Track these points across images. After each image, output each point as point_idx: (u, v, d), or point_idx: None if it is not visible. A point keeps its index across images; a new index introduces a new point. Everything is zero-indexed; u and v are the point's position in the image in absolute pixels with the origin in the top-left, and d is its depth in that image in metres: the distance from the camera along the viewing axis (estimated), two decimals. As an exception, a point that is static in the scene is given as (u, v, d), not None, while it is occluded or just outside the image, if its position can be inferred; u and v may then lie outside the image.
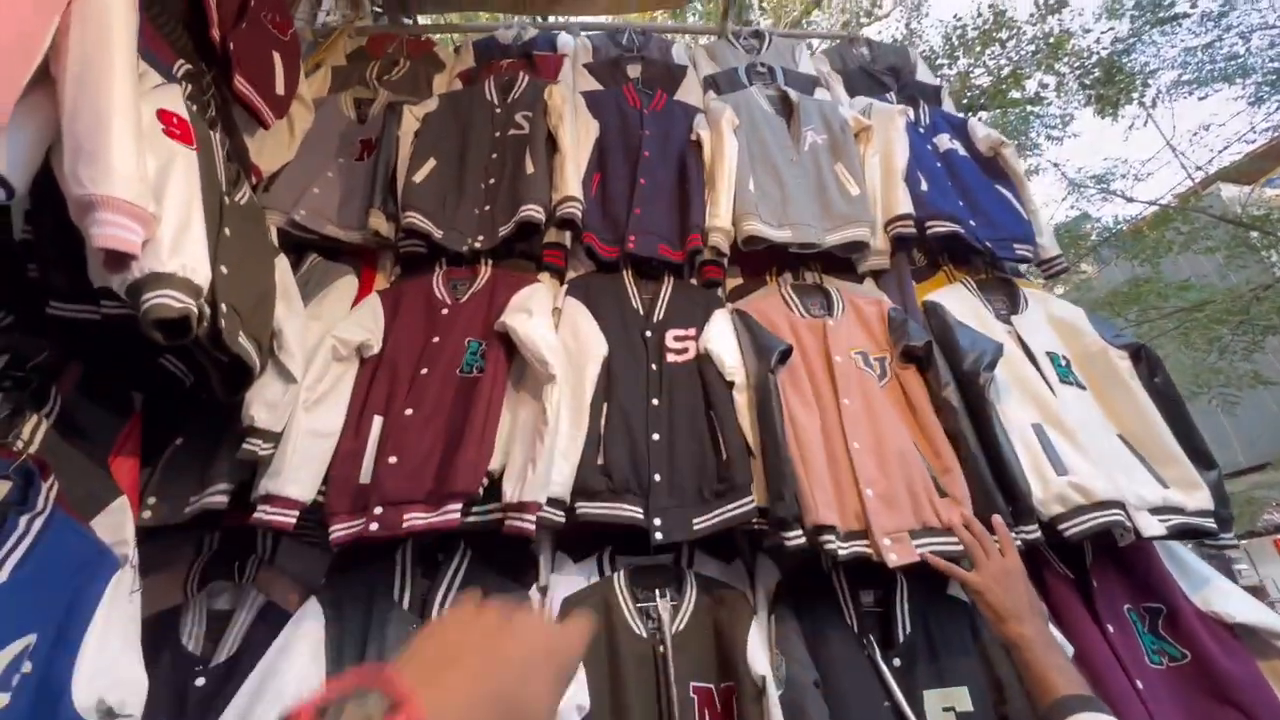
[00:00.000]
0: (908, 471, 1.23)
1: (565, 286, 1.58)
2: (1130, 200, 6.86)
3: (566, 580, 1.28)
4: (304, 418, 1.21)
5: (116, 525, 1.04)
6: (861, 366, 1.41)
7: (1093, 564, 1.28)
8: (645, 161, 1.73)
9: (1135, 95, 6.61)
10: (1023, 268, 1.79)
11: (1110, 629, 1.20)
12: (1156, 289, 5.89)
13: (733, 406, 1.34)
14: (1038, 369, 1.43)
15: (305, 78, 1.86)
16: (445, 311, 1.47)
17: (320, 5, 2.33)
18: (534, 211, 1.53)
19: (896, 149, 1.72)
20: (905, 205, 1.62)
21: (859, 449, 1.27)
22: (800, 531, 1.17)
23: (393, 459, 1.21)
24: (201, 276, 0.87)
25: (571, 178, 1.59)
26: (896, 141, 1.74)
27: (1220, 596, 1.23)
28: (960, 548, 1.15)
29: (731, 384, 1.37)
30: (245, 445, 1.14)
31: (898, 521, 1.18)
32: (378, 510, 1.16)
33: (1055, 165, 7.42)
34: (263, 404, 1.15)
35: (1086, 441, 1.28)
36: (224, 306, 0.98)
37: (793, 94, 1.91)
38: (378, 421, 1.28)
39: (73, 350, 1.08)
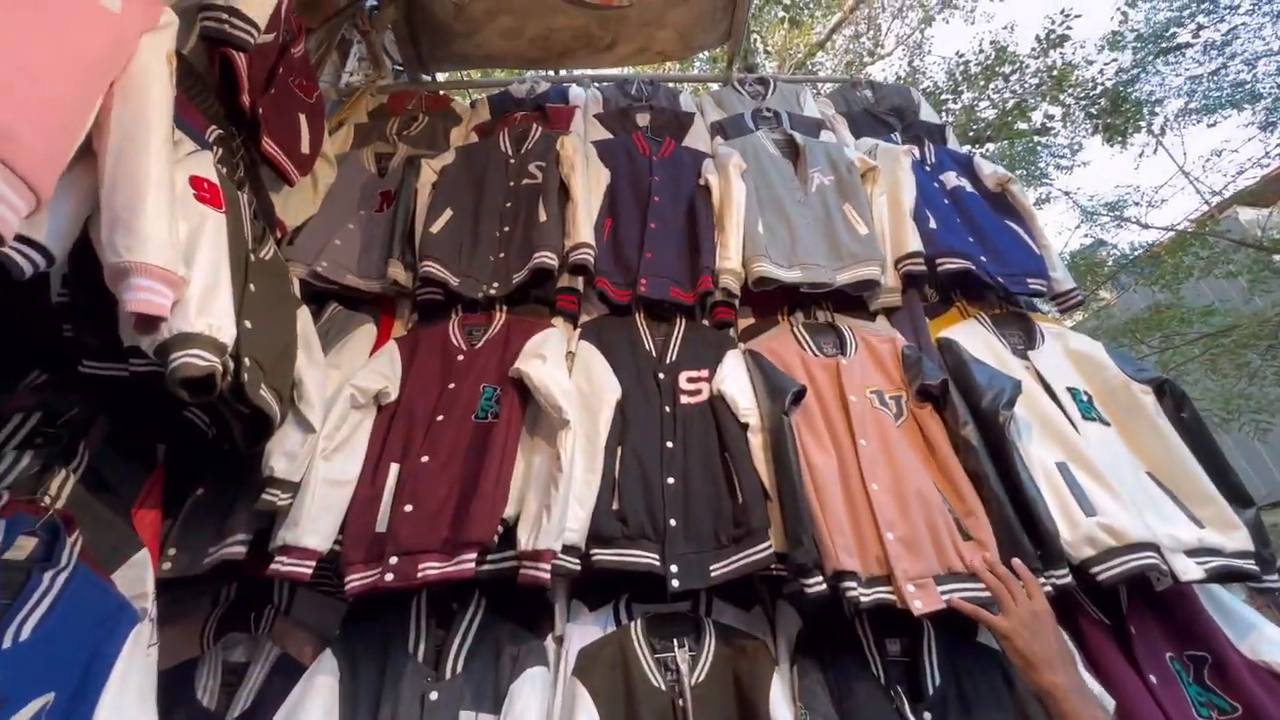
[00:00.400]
0: (929, 514, 1.20)
1: (578, 330, 1.60)
2: (1146, 226, 6.82)
3: (582, 630, 1.25)
4: (322, 466, 1.22)
5: (137, 578, 1.05)
6: (877, 406, 1.40)
7: (1129, 609, 1.23)
8: (655, 206, 1.77)
9: (1143, 124, 6.64)
10: (1038, 302, 1.77)
11: (1153, 679, 1.15)
12: (1179, 315, 5.79)
13: (747, 448, 1.33)
14: (1059, 405, 1.40)
15: (329, 135, 1.95)
16: (461, 358, 1.49)
17: (344, 66, 2.45)
18: (547, 258, 1.56)
19: (904, 188, 1.74)
20: (915, 243, 1.63)
21: (878, 490, 1.25)
22: (820, 578, 1.14)
23: (408, 507, 1.22)
24: (227, 334, 0.90)
25: (584, 224, 1.63)
26: (903, 180, 1.76)
27: (1269, 645, 1.17)
28: (988, 594, 1.12)
29: (746, 425, 1.36)
30: (264, 495, 1.16)
31: (921, 566, 1.15)
32: (393, 560, 1.15)
33: (1066, 194, 7.42)
34: (282, 454, 1.17)
35: (1114, 480, 1.25)
36: (247, 360, 1.01)
37: (798, 137, 1.95)
38: (394, 469, 1.29)
39: (101, 406, 1.11)
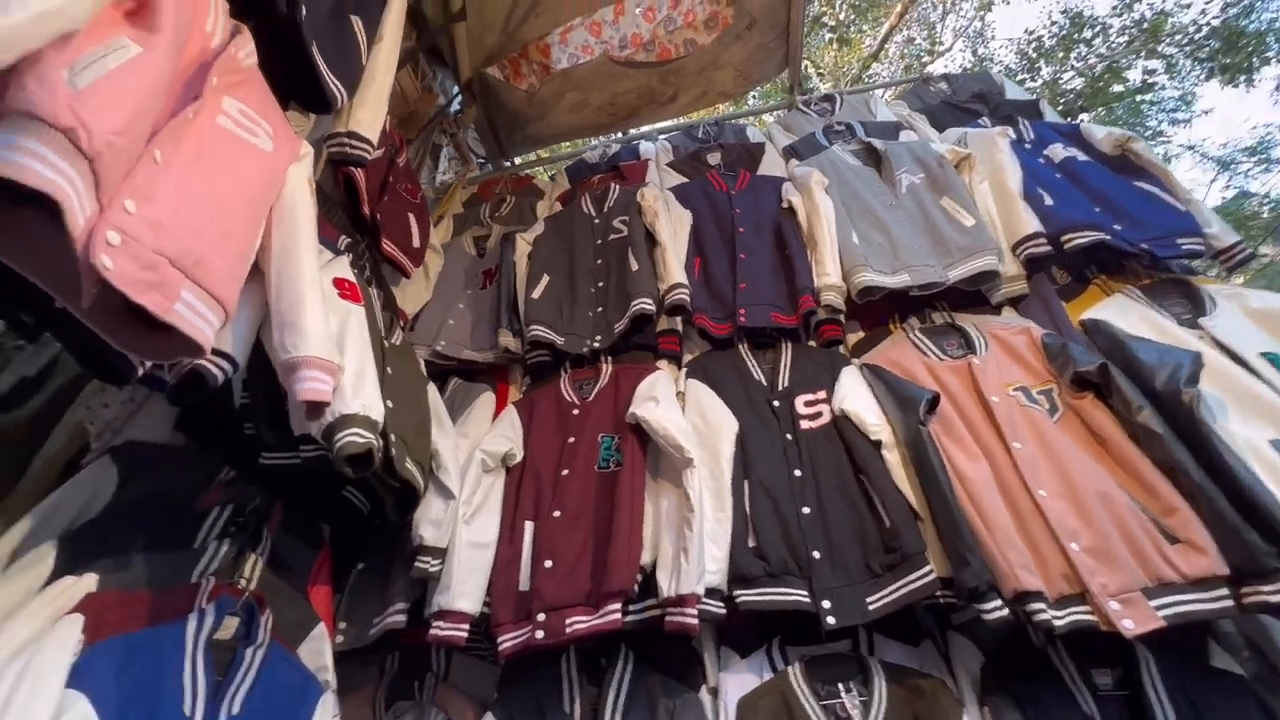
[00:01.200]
0: (1119, 517, 1.05)
1: (684, 369, 1.60)
2: (1303, 165, 5.90)
3: (737, 678, 1.19)
4: (464, 531, 1.28)
5: (317, 652, 1.14)
6: (1025, 404, 1.27)
7: None
8: (741, 237, 1.77)
9: (1270, 55, 5.87)
10: (1195, 264, 1.56)
11: None
12: (1374, 258, 4.87)
13: (884, 467, 1.25)
14: (1255, 374, 1.20)
15: (434, 228, 2.14)
16: (576, 412, 1.53)
17: (437, 168, 2.73)
18: (645, 304, 1.59)
19: (1006, 170, 1.63)
20: (1032, 224, 1.50)
21: (1047, 497, 1.11)
22: (999, 601, 1.02)
23: (548, 563, 1.24)
24: (377, 412, 0.99)
25: (675, 266, 1.66)
26: (1004, 162, 1.65)
27: None
28: (1216, 606, 0.95)
29: (878, 443, 1.28)
30: (416, 564, 1.22)
31: (1123, 579, 0.99)
32: (540, 617, 1.17)
33: (1190, 148, 6.63)
34: (428, 522, 1.24)
35: (1356, 453, 1.03)
36: (393, 436, 1.10)
37: (877, 143, 1.90)
38: (529, 527, 1.32)
39: (277, 493, 1.24)
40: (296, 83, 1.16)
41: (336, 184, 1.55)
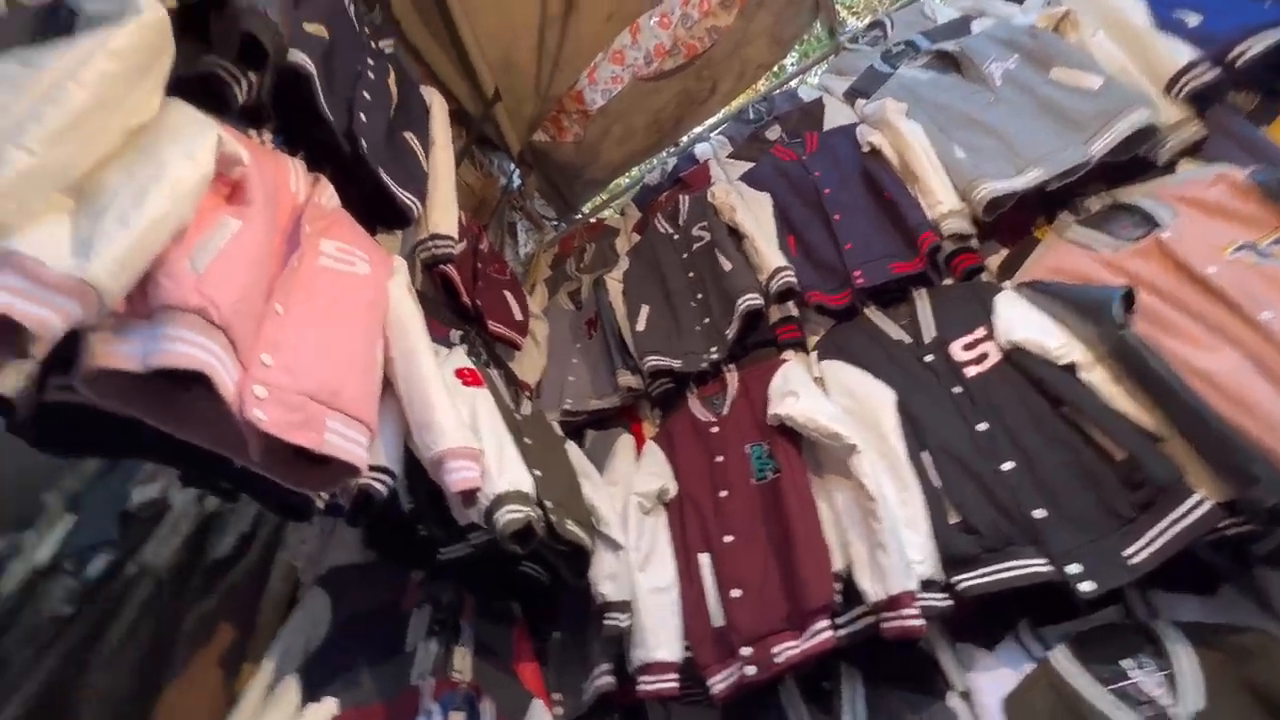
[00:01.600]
0: None
1: (813, 354, 1.49)
2: None
3: (991, 676, 1.02)
4: (642, 579, 1.24)
5: (541, 728, 1.15)
6: (1258, 262, 1.00)
7: None
8: (829, 198, 1.63)
9: None
10: None
11: None
12: None
13: (1089, 391, 1.04)
14: None
15: (530, 297, 2.23)
16: (715, 429, 1.47)
17: (517, 241, 2.87)
18: (751, 299, 1.51)
19: (1122, 7, 1.36)
20: (1183, 54, 1.22)
21: (1338, 368, 0.85)
22: (1321, 516, 0.78)
23: (735, 592, 1.17)
24: (527, 485, 1.00)
25: (769, 252, 1.56)
26: (1115, 2, 1.38)
27: None
28: None
29: (1070, 366, 1.07)
30: (606, 622, 1.20)
31: None
32: (745, 651, 1.09)
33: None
34: (606, 578, 1.22)
35: None
36: (549, 503, 1.10)
37: (949, 46, 1.68)
38: (704, 559, 1.26)
39: (463, 583, 1.30)
40: (376, 206, 1.26)
41: (435, 286, 1.65)
